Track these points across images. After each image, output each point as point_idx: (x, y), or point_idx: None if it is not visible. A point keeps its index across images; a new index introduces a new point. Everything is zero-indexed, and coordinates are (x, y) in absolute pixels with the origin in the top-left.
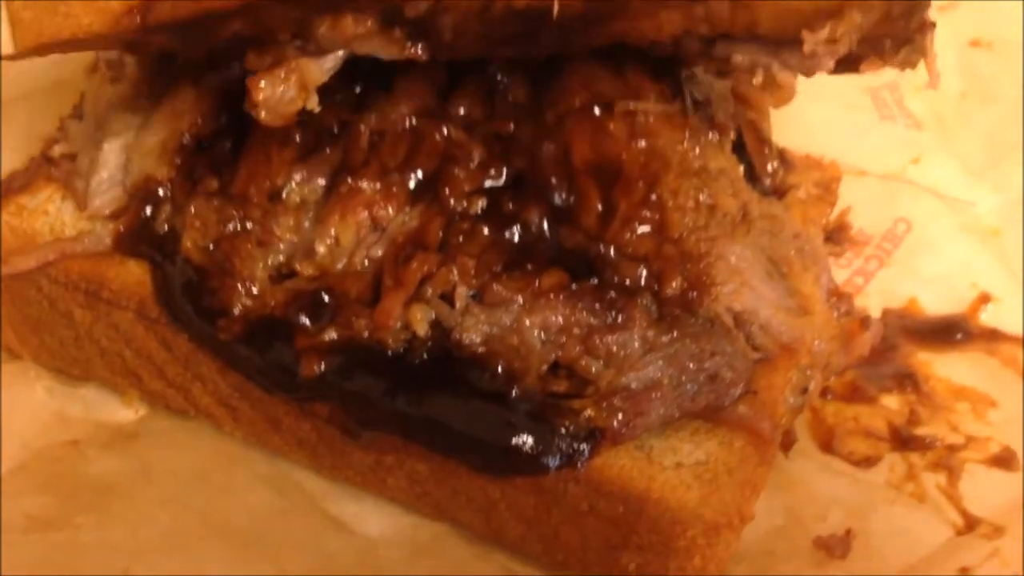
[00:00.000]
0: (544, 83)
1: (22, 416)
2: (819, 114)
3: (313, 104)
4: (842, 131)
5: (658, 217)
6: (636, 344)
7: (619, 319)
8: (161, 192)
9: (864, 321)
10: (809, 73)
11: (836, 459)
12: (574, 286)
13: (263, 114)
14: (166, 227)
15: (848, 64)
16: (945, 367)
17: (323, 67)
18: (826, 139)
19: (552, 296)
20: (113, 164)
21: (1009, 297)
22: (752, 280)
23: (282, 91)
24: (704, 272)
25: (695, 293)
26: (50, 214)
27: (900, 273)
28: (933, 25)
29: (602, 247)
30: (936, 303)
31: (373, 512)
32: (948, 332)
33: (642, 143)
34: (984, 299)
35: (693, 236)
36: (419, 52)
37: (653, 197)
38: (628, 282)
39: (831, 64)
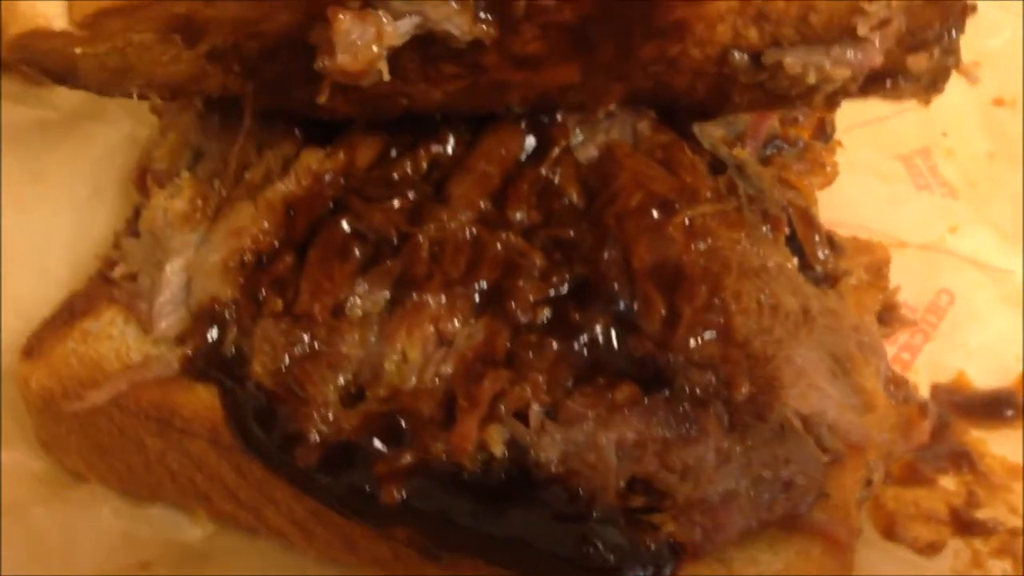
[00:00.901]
0: (597, 182)
1: (91, 538)
2: (856, 187)
3: (385, 71)
4: (880, 203)
5: (722, 321)
6: (711, 456)
7: (693, 431)
8: (226, 314)
9: (923, 408)
10: (861, 67)
11: (900, 547)
12: (646, 399)
13: (339, 53)
14: (234, 350)
15: (881, 81)
16: (999, 444)
17: (399, 29)
18: (865, 212)
19: (626, 411)
20: (175, 285)
21: None
22: (818, 381)
23: (361, 32)
24: (772, 376)
25: (764, 398)
26: (114, 338)
27: (946, 346)
28: (974, 8)
29: (670, 356)
30: (984, 376)
31: None
32: (998, 408)
33: (701, 245)
34: None
35: (758, 339)
36: (489, 28)
37: (716, 301)
38: (698, 391)
39: (880, 54)
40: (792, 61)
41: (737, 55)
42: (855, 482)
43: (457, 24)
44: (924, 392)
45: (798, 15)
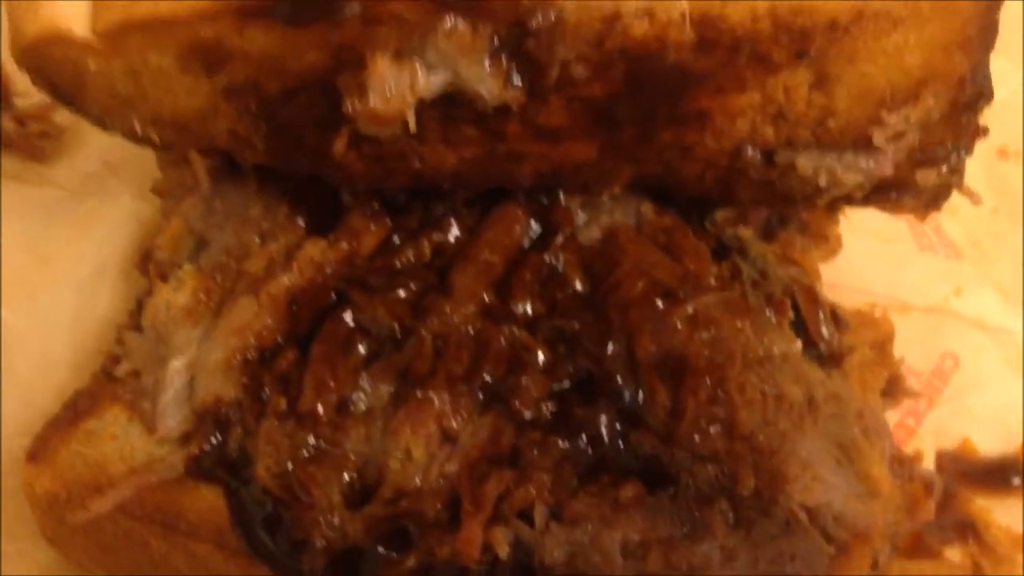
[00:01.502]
0: (600, 267)
1: None
2: (859, 249)
3: (411, 121)
4: (883, 265)
5: (727, 414)
6: (717, 554)
7: (698, 529)
8: (230, 414)
9: (928, 486)
10: (871, 176)
11: None
12: (651, 498)
13: (372, 96)
14: (238, 451)
15: (886, 192)
16: (1004, 515)
17: (432, 83)
18: (868, 275)
19: (631, 510)
20: (178, 383)
21: None
22: (823, 472)
23: (396, 78)
24: (777, 469)
25: (769, 492)
26: (118, 437)
27: (951, 412)
28: (986, 131)
29: (675, 451)
30: (989, 442)
31: None
32: (1004, 476)
33: (705, 335)
34: None
35: (763, 432)
36: (518, 94)
37: (720, 393)
38: (703, 487)
39: (892, 165)
40: (805, 163)
41: (751, 151)
42: (861, 569)
43: (488, 87)
44: (930, 458)
45: (817, 118)
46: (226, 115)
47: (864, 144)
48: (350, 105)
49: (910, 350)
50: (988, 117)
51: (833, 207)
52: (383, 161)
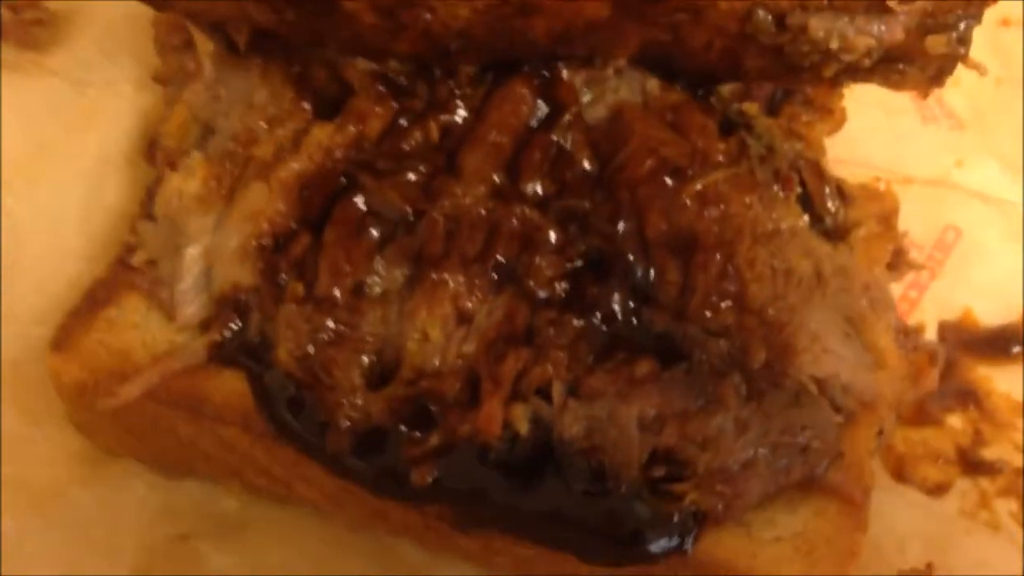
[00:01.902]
0: (608, 146)
1: (130, 514)
2: (863, 124)
3: None
4: (886, 138)
5: (737, 289)
6: (730, 425)
7: (711, 402)
8: (248, 300)
9: (932, 356)
10: (883, 40)
11: (910, 488)
12: (665, 373)
13: None
14: (259, 336)
15: (894, 63)
16: (1005, 381)
17: None
18: (871, 148)
19: (646, 385)
20: (195, 271)
21: None
22: (831, 344)
23: None
24: (787, 342)
25: (780, 365)
26: (139, 326)
27: (953, 283)
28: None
29: (688, 328)
30: (990, 313)
31: None
32: (1004, 344)
33: (714, 211)
34: None
35: (772, 306)
36: None
37: (730, 269)
38: (716, 361)
39: (903, 30)
40: (816, 24)
41: (762, 13)
42: (869, 439)
43: None
44: (932, 329)
45: None
46: None
47: (877, 6)
48: None
49: (913, 223)
50: None
51: (838, 80)
52: (393, 14)
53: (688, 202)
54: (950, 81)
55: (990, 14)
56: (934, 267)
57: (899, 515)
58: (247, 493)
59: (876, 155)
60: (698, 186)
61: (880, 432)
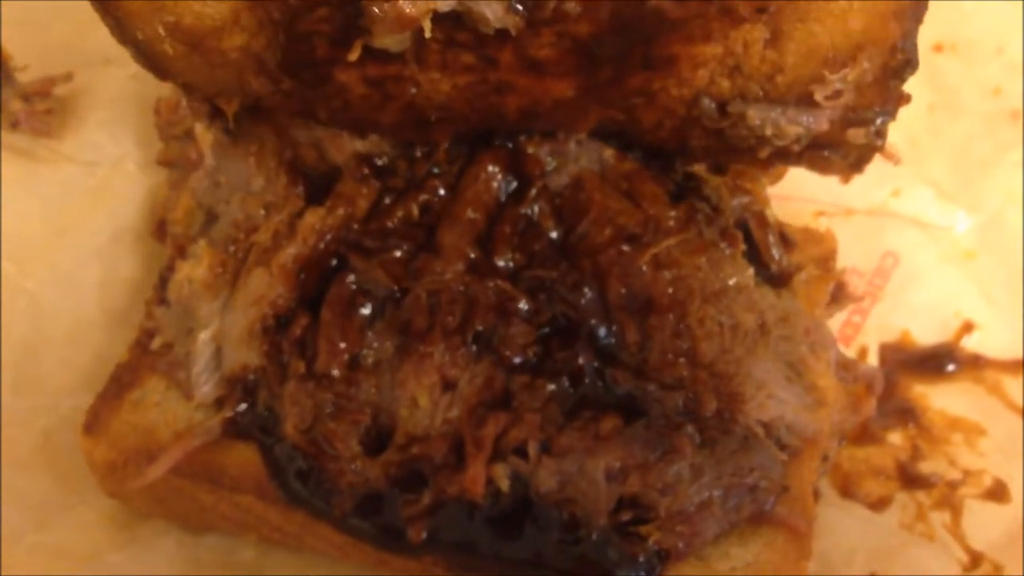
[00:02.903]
0: (570, 214)
1: (160, 568)
2: None
3: (427, 28)
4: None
5: (689, 346)
6: (687, 472)
7: (669, 452)
8: (256, 380)
9: (870, 385)
10: (810, 129)
11: (855, 504)
12: (627, 428)
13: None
14: (267, 412)
15: (819, 149)
16: (940, 398)
17: None
18: (814, 185)
19: (611, 440)
20: (207, 354)
21: (989, 322)
22: (775, 390)
23: None
24: (735, 391)
25: (729, 412)
26: (160, 405)
27: (892, 307)
28: (908, 98)
29: (647, 386)
30: (926, 334)
31: None
32: (939, 363)
33: (667, 275)
34: (967, 327)
35: (721, 360)
36: (518, 20)
37: (683, 327)
38: (672, 414)
39: (827, 121)
40: (754, 114)
41: (707, 101)
42: (812, 471)
43: (493, 9)
44: (873, 352)
45: (767, 73)
46: (246, 27)
47: (806, 101)
48: (376, 7)
49: (854, 251)
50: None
51: (771, 161)
52: (382, 86)
53: (644, 267)
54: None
55: (924, 40)
56: (875, 292)
57: (845, 530)
58: (263, 543)
59: (818, 191)
60: (652, 252)
61: (825, 458)
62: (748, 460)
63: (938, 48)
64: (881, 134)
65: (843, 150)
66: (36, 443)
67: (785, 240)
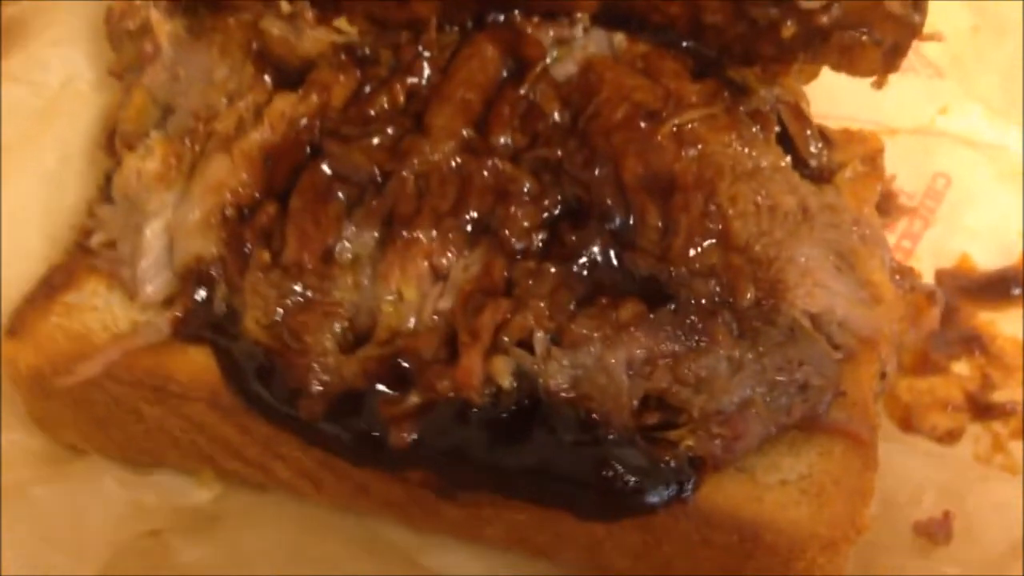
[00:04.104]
0: (579, 97)
1: (97, 512)
2: (840, 78)
3: None
4: (865, 91)
5: (720, 227)
6: (723, 365)
7: (702, 342)
8: (213, 272)
9: (931, 295)
10: None
11: (919, 438)
12: (652, 315)
13: None
14: (224, 307)
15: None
16: (1009, 324)
17: None
18: (851, 102)
19: (632, 328)
20: (157, 247)
21: None
22: (823, 278)
23: None
24: (776, 278)
25: (771, 301)
26: (99, 308)
27: (947, 231)
28: None
29: (672, 269)
30: (987, 257)
31: (472, 559)
32: (1004, 287)
33: (692, 151)
34: None
35: (758, 242)
36: None
37: (712, 207)
38: (704, 301)
39: None
40: None
41: None
42: (871, 377)
43: None
44: (929, 279)
45: None
46: None
47: None
48: None
49: (901, 173)
50: None
51: (797, 47)
52: None
53: (664, 143)
54: (924, 32)
55: None
56: (926, 215)
57: (910, 465)
58: (220, 482)
59: (857, 108)
60: (673, 125)
61: (883, 375)
62: (796, 354)
63: None
64: (920, 7)
65: (878, 29)
66: None
67: (824, 137)
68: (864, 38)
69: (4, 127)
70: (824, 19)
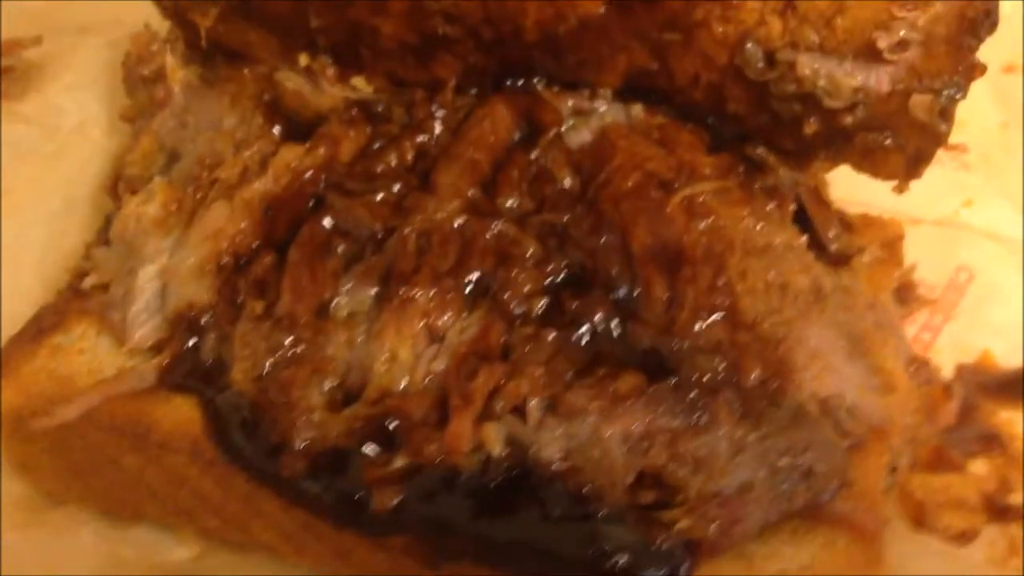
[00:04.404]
0: (591, 164)
1: (71, 564)
2: None
3: None
4: None
5: (728, 303)
6: (724, 445)
7: (703, 420)
8: (204, 320)
9: (947, 389)
10: (869, 87)
11: (932, 536)
12: (651, 389)
13: None
14: (212, 357)
15: (877, 130)
16: None
17: None
18: (874, 189)
19: (630, 402)
20: (150, 292)
21: None
22: (834, 361)
23: None
24: (784, 358)
25: (777, 382)
26: (86, 352)
27: (968, 325)
28: (983, 69)
29: (675, 343)
30: (1010, 354)
31: None
32: None
33: (702, 224)
34: None
35: (767, 320)
36: None
37: (721, 282)
38: (707, 378)
39: (889, 81)
40: (805, 62)
41: (753, 46)
42: (879, 468)
43: None
44: (948, 374)
45: (825, 14)
46: None
47: (866, 54)
48: None
49: (923, 264)
50: (992, 37)
51: (818, 144)
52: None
53: (674, 214)
54: (955, 124)
55: (993, 61)
56: (947, 309)
57: (921, 565)
58: (201, 540)
59: (879, 195)
60: (684, 196)
61: (893, 468)
62: (801, 438)
63: (1009, 69)
64: (947, 116)
65: (902, 134)
66: None
67: (844, 221)
68: (888, 142)
69: (13, 168)
70: (848, 120)
